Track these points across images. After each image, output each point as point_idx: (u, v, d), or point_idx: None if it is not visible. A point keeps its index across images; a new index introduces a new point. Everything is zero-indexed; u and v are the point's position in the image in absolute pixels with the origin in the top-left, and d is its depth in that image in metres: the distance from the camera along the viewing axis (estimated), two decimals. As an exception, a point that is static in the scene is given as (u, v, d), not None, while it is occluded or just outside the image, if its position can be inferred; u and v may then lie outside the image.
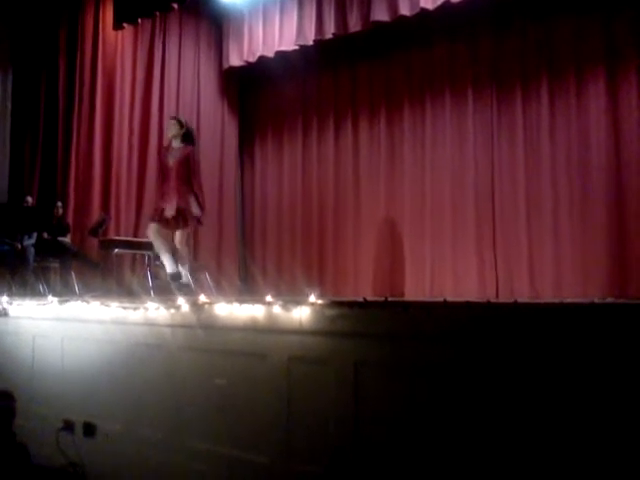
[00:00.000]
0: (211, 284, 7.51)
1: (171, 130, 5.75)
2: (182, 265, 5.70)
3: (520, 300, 2.33)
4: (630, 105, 6.66)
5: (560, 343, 2.11)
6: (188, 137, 5.74)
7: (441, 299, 2.57)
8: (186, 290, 5.36)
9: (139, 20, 7.54)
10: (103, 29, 7.64)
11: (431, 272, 7.75)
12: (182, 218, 5.55)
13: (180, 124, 5.74)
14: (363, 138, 8.48)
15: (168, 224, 5.57)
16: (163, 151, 5.97)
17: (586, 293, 6.61)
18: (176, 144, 5.71)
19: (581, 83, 6.99)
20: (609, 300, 6.22)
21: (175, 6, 7.39)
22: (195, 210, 5.59)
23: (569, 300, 6.31)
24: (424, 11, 6.92)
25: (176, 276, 5.48)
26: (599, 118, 6.83)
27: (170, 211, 5.50)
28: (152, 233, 5.57)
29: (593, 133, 6.86)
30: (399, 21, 7.23)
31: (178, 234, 5.68)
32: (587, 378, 2.06)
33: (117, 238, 7.20)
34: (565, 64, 7.08)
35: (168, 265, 5.51)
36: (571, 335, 2.09)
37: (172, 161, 5.62)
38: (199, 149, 5.85)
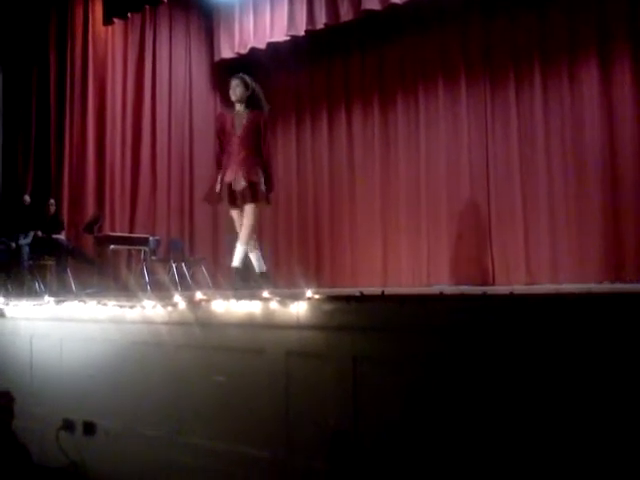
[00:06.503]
0: (208, 278, 7.53)
1: (235, 92, 4.88)
2: (250, 251, 4.93)
3: (516, 290, 2.33)
4: (623, 89, 6.67)
5: (557, 334, 2.12)
6: (255, 100, 4.92)
7: (437, 291, 2.57)
8: (262, 282, 4.72)
9: (129, 14, 7.50)
10: (93, 24, 7.60)
11: (427, 260, 7.77)
12: (253, 192, 4.77)
13: (245, 85, 4.88)
14: (357, 129, 8.46)
15: (237, 199, 4.83)
16: (223, 117, 5.05)
17: (582, 276, 6.66)
18: (240, 108, 4.92)
19: (574, 68, 6.99)
20: (605, 284, 6.26)
21: (164, -1, 7.35)
22: (263, 187, 4.83)
23: (565, 286, 6.34)
24: (415, -1, 6.90)
25: (239, 272, 4.79)
26: (592, 102, 6.84)
27: (240, 183, 4.77)
28: (252, 214, 4.81)
29: (587, 117, 6.88)
30: (390, 10, 7.21)
31: (248, 209, 4.82)
32: (583, 369, 2.07)
33: (112, 234, 7.20)
34: (557, 49, 7.07)
35: (237, 257, 4.82)
36: (568, 326, 2.10)
37: (239, 130, 4.84)
38: (265, 116, 4.92)
